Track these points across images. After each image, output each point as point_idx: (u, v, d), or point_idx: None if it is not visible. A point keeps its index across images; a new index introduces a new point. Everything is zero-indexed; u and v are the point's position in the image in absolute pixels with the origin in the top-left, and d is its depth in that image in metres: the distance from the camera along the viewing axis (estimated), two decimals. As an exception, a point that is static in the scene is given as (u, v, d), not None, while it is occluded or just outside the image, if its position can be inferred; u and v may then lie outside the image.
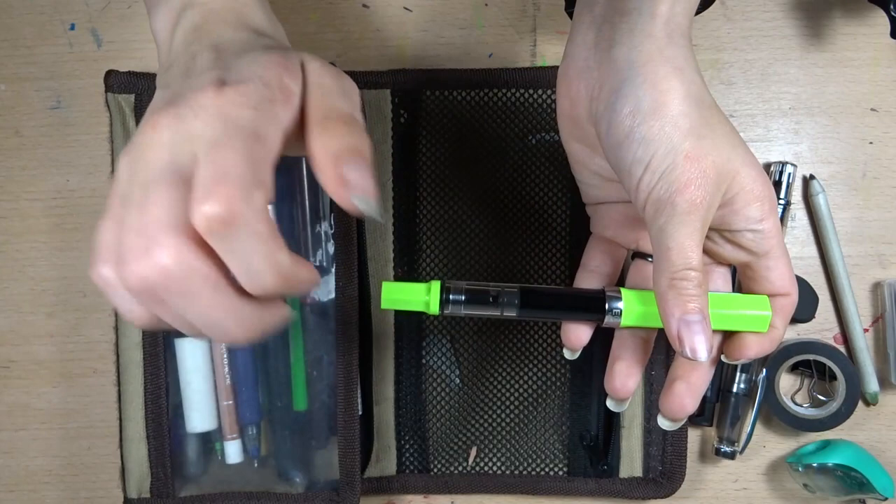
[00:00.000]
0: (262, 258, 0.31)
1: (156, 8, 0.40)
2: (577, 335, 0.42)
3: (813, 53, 0.55)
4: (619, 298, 0.40)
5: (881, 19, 0.53)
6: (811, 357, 0.54)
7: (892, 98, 0.55)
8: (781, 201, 0.53)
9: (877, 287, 0.55)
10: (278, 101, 0.33)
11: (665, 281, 0.37)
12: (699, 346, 0.37)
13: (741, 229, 0.39)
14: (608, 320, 0.40)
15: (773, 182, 0.54)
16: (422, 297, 0.39)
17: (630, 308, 0.40)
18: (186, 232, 0.30)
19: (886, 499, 0.52)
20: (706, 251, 0.41)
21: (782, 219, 0.53)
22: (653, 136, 0.37)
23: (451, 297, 0.39)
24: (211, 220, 0.30)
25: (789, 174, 0.54)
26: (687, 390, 0.40)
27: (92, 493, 0.58)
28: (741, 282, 0.42)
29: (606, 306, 0.40)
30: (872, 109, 0.55)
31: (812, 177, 0.54)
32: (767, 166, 0.55)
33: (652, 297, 0.38)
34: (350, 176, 0.33)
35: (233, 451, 0.54)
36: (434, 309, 0.39)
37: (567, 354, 0.44)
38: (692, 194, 0.36)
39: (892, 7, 0.50)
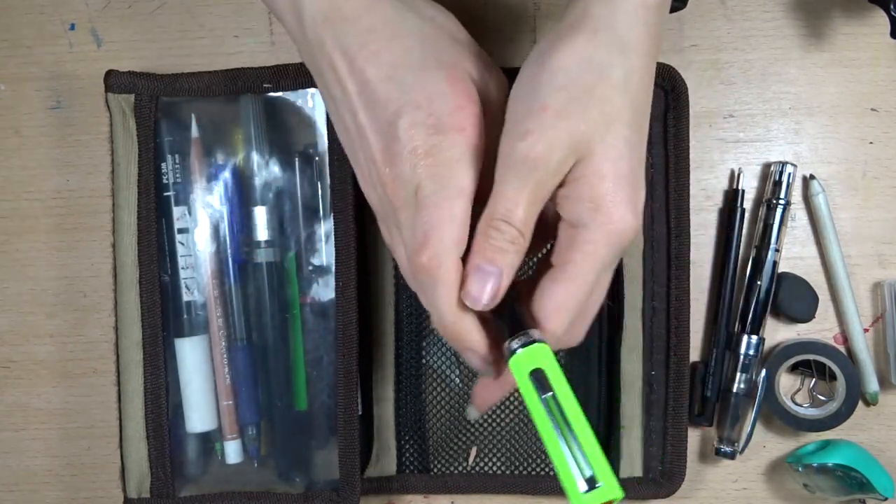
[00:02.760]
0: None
1: None
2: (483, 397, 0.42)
3: (813, 53, 0.55)
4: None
5: (881, 19, 0.53)
6: (811, 357, 0.54)
7: (892, 98, 0.55)
8: (781, 201, 0.53)
9: (877, 287, 0.55)
10: (476, 138, 0.37)
11: (482, 224, 0.36)
12: (483, 295, 0.36)
13: (564, 218, 0.37)
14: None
15: (773, 182, 0.54)
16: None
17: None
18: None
19: (886, 499, 0.52)
20: None
21: (782, 219, 0.53)
22: (525, 81, 0.37)
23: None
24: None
25: (789, 174, 0.53)
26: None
27: (92, 493, 0.58)
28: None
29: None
30: (872, 109, 0.55)
31: (812, 177, 0.54)
32: (767, 166, 0.55)
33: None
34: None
35: (233, 451, 0.54)
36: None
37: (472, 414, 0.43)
38: (531, 147, 0.35)
39: (892, 7, 0.50)
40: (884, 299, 0.54)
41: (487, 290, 0.36)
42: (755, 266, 0.54)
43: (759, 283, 0.53)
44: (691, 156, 0.54)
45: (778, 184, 0.53)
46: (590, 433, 0.35)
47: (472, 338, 0.37)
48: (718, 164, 0.55)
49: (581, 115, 0.35)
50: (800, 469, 0.53)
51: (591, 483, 0.34)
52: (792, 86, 0.55)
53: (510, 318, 0.38)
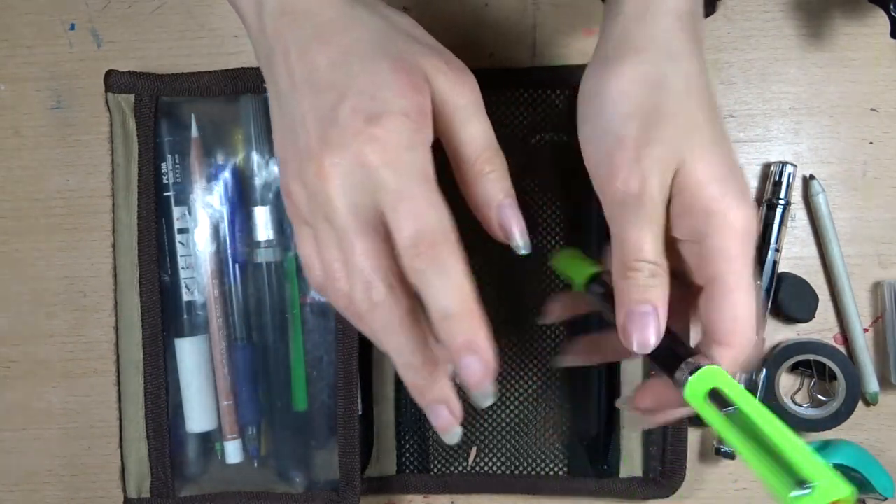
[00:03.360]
0: (452, 292, 0.34)
1: None
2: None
3: (813, 53, 0.55)
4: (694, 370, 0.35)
5: (881, 19, 0.53)
6: (811, 357, 0.54)
7: (892, 98, 0.55)
8: (781, 201, 0.53)
9: (877, 287, 0.55)
10: (423, 131, 0.35)
11: (617, 275, 0.35)
12: (649, 338, 0.35)
13: (682, 238, 0.36)
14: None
15: (773, 182, 0.54)
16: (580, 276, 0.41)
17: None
18: (394, 276, 0.35)
19: (886, 499, 0.52)
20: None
21: (782, 219, 0.53)
22: (590, 119, 0.36)
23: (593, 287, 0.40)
24: (420, 273, 0.34)
25: (789, 174, 0.53)
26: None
27: (92, 493, 0.58)
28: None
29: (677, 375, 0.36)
30: (872, 109, 0.55)
31: (812, 177, 0.54)
32: (767, 166, 0.55)
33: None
34: (508, 224, 0.37)
35: (233, 451, 0.54)
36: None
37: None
38: (627, 184, 0.35)
39: (892, 7, 0.50)
40: (884, 299, 0.54)
41: (651, 330, 0.35)
42: (755, 266, 0.54)
43: (758, 282, 0.53)
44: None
45: (778, 184, 0.53)
46: (790, 435, 0.33)
47: (480, 332, 0.35)
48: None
49: (659, 134, 0.35)
50: (800, 469, 0.53)
51: (805, 485, 0.32)
52: (792, 86, 0.55)
53: (665, 356, 0.36)
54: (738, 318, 0.35)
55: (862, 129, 0.55)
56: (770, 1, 0.55)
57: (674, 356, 0.36)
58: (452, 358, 0.34)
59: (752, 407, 0.34)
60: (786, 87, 0.55)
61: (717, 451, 0.54)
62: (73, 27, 0.57)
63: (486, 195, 0.37)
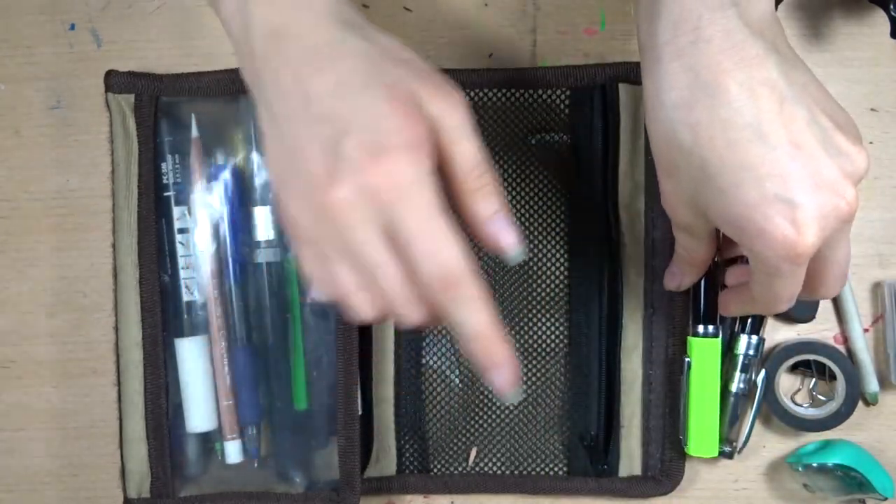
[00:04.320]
0: (474, 319, 0.37)
1: None
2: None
3: (813, 53, 0.55)
4: None
5: (881, 19, 0.53)
6: (811, 357, 0.54)
7: (892, 98, 0.55)
8: None
9: (877, 287, 0.55)
10: (426, 161, 0.36)
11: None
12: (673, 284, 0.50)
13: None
14: None
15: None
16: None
17: None
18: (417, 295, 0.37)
19: (886, 499, 0.52)
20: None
21: None
22: (715, 140, 0.38)
23: None
24: (442, 304, 0.37)
25: None
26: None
27: (92, 493, 0.58)
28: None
29: None
30: (872, 109, 0.55)
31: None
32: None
33: None
34: (501, 238, 0.39)
35: (233, 451, 0.54)
36: None
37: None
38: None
39: (892, 7, 0.50)
40: (884, 299, 0.54)
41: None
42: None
43: None
44: (691, 156, 0.54)
45: None
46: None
47: (504, 351, 0.38)
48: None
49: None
50: (800, 469, 0.53)
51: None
52: (792, 86, 0.55)
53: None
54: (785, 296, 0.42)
55: (862, 129, 0.54)
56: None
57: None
58: (483, 370, 0.38)
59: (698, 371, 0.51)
60: (786, 87, 0.55)
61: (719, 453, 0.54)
62: (73, 27, 0.57)
63: (477, 211, 0.39)
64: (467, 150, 0.38)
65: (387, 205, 0.35)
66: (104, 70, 0.54)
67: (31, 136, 0.57)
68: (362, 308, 0.38)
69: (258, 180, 0.54)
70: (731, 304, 0.50)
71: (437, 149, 0.37)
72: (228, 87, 0.53)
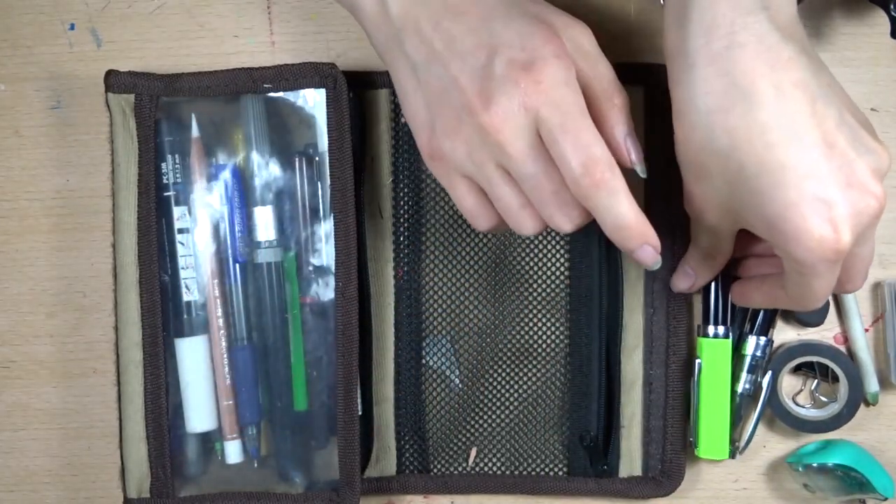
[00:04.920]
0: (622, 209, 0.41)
1: None
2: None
3: (813, 53, 0.55)
4: None
5: (881, 19, 0.53)
6: (814, 359, 0.53)
7: (892, 98, 0.55)
8: None
9: (877, 287, 0.55)
10: (572, 69, 0.40)
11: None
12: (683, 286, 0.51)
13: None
14: None
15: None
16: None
17: None
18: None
19: (886, 499, 0.52)
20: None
21: None
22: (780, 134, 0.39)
23: None
24: (591, 198, 0.40)
25: None
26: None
27: (92, 493, 0.58)
28: None
29: None
30: (872, 109, 0.55)
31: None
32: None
33: None
34: (633, 155, 0.43)
35: (233, 451, 0.54)
36: None
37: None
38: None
39: (892, 7, 0.50)
40: (884, 299, 0.54)
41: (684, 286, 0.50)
42: None
43: None
44: (691, 156, 0.54)
45: None
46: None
47: (651, 232, 0.41)
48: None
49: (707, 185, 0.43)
50: (800, 469, 0.53)
51: None
52: (792, 86, 0.55)
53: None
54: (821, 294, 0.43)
55: None
56: (770, 1, 0.55)
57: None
58: (628, 251, 0.42)
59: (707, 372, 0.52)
60: (786, 87, 0.55)
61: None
62: (72, 27, 0.57)
63: (613, 126, 0.42)
64: (604, 71, 0.42)
65: (540, 107, 0.39)
66: (104, 70, 0.54)
67: (31, 136, 0.57)
68: (526, 224, 0.42)
69: (258, 180, 0.54)
70: (753, 296, 0.50)
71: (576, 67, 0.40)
72: (228, 87, 0.53)
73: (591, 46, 0.42)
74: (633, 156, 0.42)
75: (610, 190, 0.39)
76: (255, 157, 0.54)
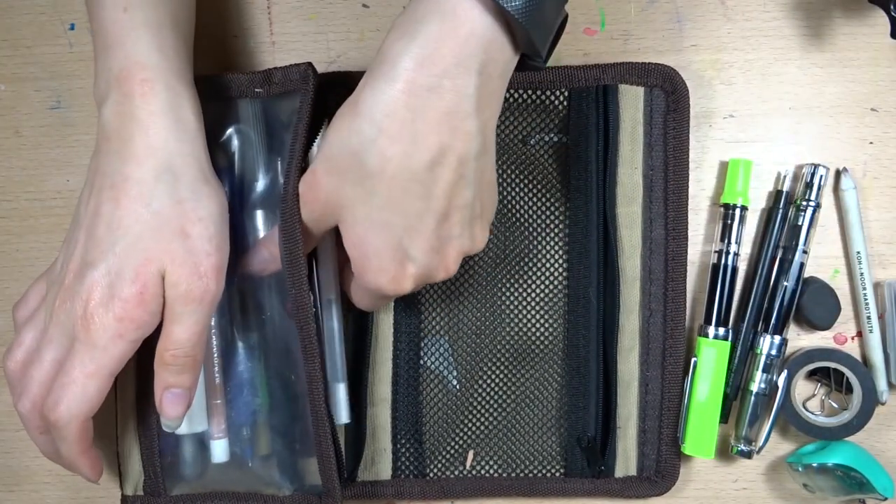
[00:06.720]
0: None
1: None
2: None
3: (813, 53, 0.55)
4: None
5: (881, 19, 0.53)
6: (831, 365, 0.53)
7: (892, 98, 0.55)
8: (812, 202, 0.53)
9: (877, 287, 0.55)
10: (130, 334, 0.45)
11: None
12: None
13: None
14: None
15: (805, 183, 0.53)
16: None
17: None
18: None
19: (886, 499, 0.52)
20: None
21: (812, 220, 0.53)
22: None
23: None
24: None
25: (821, 176, 0.53)
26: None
27: (92, 493, 0.58)
28: None
29: None
30: (872, 109, 0.55)
31: (814, 177, 0.54)
32: (800, 167, 0.54)
33: None
34: (162, 407, 0.48)
35: (218, 451, 0.53)
36: None
37: None
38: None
39: (892, 7, 0.50)
40: (884, 299, 0.54)
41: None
42: (780, 266, 0.53)
43: (785, 283, 0.53)
44: (690, 156, 0.54)
45: (809, 185, 0.53)
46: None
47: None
48: (718, 164, 0.55)
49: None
50: (800, 469, 0.53)
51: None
52: (792, 86, 0.55)
53: None
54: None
55: (862, 129, 0.55)
56: (770, 1, 0.55)
57: None
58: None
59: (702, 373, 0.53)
60: (786, 87, 0.55)
61: (733, 451, 0.54)
62: (72, 27, 0.57)
63: (160, 379, 0.47)
64: (181, 332, 0.45)
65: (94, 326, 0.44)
66: (104, 70, 0.54)
67: (31, 136, 0.57)
68: None
69: (258, 183, 0.54)
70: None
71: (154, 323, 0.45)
72: (227, 88, 0.53)
73: (191, 308, 0.45)
74: (163, 411, 0.48)
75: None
76: (255, 159, 0.54)
